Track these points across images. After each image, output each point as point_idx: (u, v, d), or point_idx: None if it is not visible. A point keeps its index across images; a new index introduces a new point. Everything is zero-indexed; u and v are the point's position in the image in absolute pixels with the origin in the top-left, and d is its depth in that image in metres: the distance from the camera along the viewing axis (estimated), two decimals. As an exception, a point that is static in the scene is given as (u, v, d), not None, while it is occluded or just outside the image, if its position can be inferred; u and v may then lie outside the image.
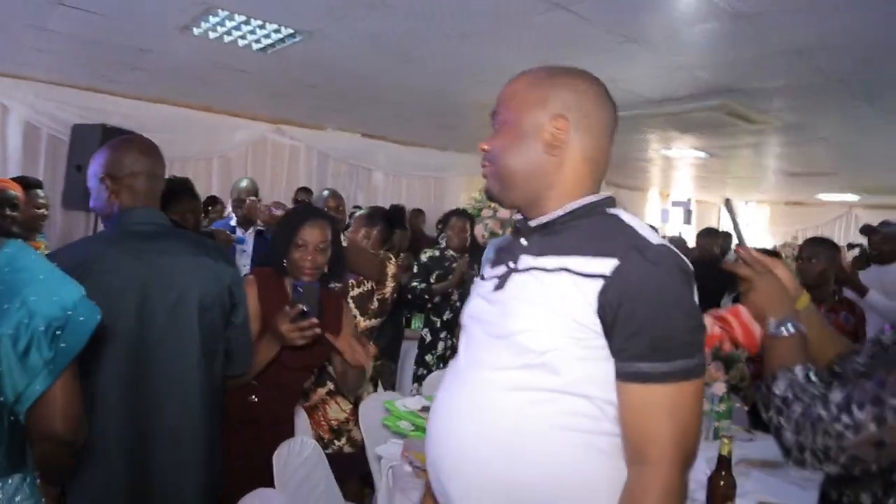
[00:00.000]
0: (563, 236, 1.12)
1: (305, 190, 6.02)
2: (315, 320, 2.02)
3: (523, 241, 1.18)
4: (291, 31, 3.86)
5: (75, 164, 5.45)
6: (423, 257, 4.38)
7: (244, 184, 4.81)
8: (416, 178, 8.25)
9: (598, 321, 1.02)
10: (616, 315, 1.01)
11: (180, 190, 3.17)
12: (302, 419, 2.68)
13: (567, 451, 1.04)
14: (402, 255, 4.83)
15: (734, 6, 3.12)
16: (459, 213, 4.55)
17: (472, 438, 1.10)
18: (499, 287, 1.16)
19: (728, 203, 1.44)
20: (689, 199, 11.15)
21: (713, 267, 5.54)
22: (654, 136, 6.42)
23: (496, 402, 1.09)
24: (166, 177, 2.68)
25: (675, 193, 11.37)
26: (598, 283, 1.02)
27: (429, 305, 4.29)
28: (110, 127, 5.39)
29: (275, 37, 3.98)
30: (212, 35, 4.01)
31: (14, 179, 3.86)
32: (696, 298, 1.05)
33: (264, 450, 2.14)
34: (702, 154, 7.18)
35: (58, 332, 1.21)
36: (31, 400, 1.20)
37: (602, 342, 1.03)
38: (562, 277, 1.05)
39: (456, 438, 1.12)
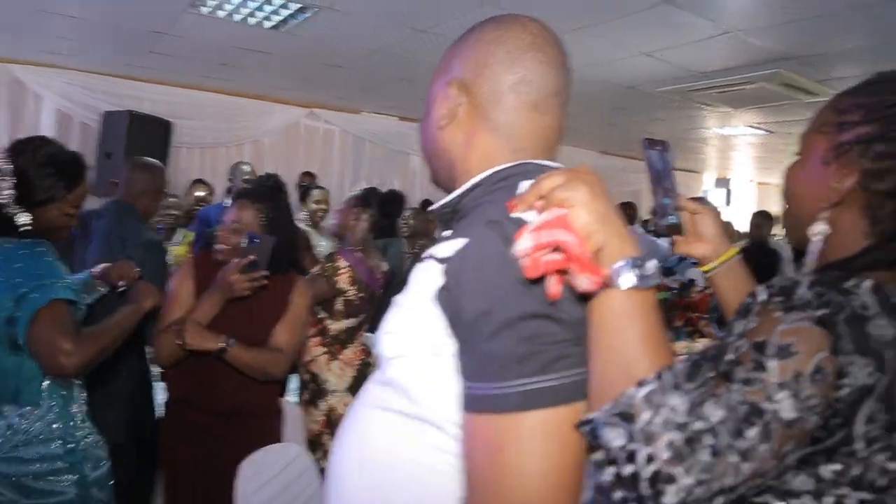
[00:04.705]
0: (472, 217, 0.85)
1: (309, 174, 5.85)
2: (264, 272, 2.00)
3: (445, 232, 0.92)
4: (300, 5, 3.65)
5: (105, 151, 5.46)
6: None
7: (246, 168, 4.64)
8: (457, 162, 7.94)
9: (444, 318, 0.74)
10: (454, 312, 0.73)
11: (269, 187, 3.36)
12: (295, 421, 2.48)
13: (427, 498, 0.78)
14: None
15: (783, -43, 2.74)
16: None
17: (342, 463, 0.87)
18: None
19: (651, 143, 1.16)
20: (728, 179, 10.51)
21: (763, 249, 5.16)
22: (706, 113, 5.96)
23: (361, 423, 0.86)
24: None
25: (735, 176, 10.74)
26: (443, 269, 0.76)
27: None
28: (137, 113, 5.36)
29: (283, 13, 3.78)
30: (220, 13, 3.84)
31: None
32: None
33: (235, 451, 1.94)
34: (759, 132, 6.66)
35: (19, 303, 1.62)
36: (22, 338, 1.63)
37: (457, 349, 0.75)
38: (427, 265, 0.79)
39: (334, 461, 0.90)
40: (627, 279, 0.68)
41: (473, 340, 0.71)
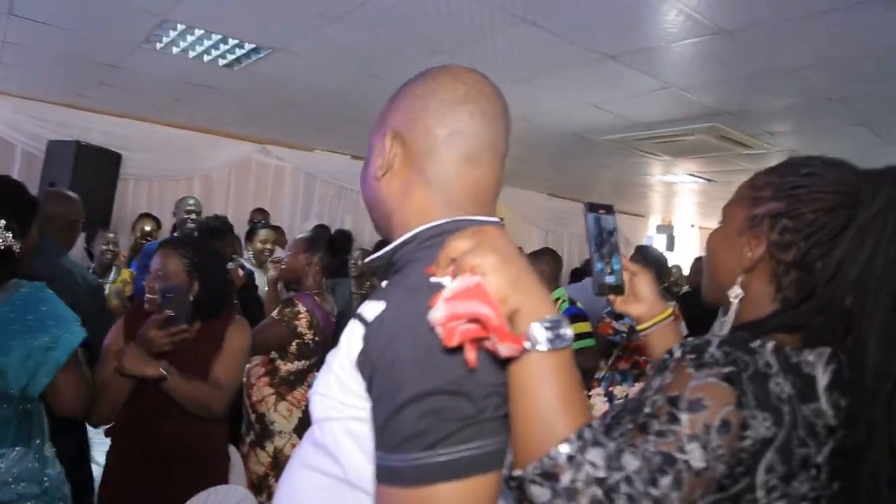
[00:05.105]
0: (400, 275, 0.87)
1: (261, 211, 5.83)
2: (184, 326, 1.99)
3: (383, 284, 0.95)
4: (254, 46, 3.69)
5: (49, 181, 5.33)
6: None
7: (191, 202, 4.63)
8: (408, 201, 8.00)
9: (362, 382, 0.75)
10: (369, 380, 0.75)
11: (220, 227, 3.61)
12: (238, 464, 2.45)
13: None
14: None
15: (715, 21, 2.92)
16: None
17: None
18: None
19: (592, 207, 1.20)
20: (671, 226, 10.88)
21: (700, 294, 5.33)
22: (649, 160, 6.20)
23: (294, 481, 0.86)
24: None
25: (678, 220, 11.11)
26: (363, 331, 0.77)
27: None
28: (85, 144, 5.27)
29: (238, 52, 3.82)
30: (175, 50, 3.85)
31: None
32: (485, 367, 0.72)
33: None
34: (700, 180, 6.94)
35: (50, 346, 1.72)
36: (38, 392, 1.73)
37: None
38: (354, 326, 0.80)
39: None
40: (541, 342, 0.70)
41: (382, 410, 0.71)
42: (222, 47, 3.77)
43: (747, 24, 2.93)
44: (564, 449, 0.69)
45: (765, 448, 0.83)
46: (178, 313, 1.99)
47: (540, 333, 0.70)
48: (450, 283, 0.70)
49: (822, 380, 0.89)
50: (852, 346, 0.88)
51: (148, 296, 2.10)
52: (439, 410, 0.68)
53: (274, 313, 2.78)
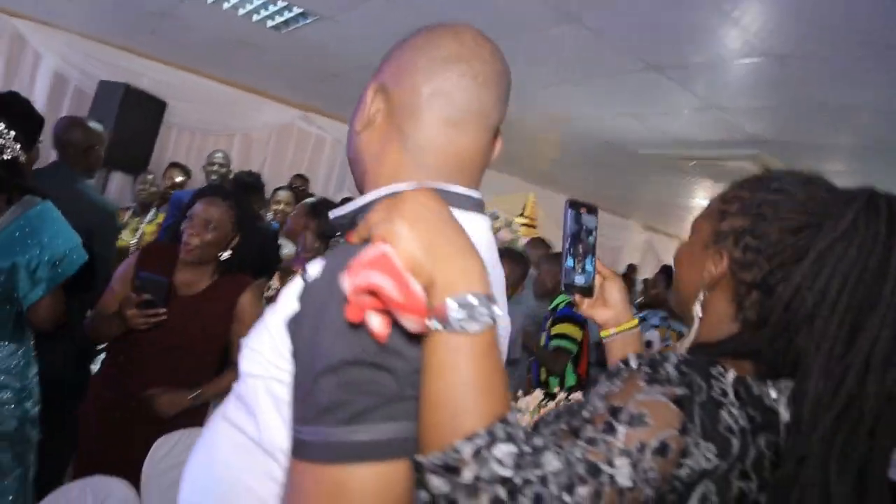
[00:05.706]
0: None
1: (301, 177, 5.86)
2: (162, 309, 2.04)
3: (341, 241, 0.90)
4: (301, 10, 3.71)
5: (97, 119, 5.46)
6: None
7: (218, 155, 4.73)
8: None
9: (289, 344, 0.70)
10: (295, 343, 0.70)
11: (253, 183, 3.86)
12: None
13: None
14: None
15: (770, 45, 2.82)
16: None
17: (190, 463, 0.84)
18: None
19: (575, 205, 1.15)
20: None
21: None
22: (692, 184, 6.06)
23: (213, 431, 0.82)
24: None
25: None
26: (300, 291, 0.72)
27: None
28: (133, 88, 5.37)
29: (287, 15, 3.84)
30: (225, 6, 3.90)
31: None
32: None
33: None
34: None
35: (57, 262, 1.90)
36: (32, 301, 1.88)
37: None
38: (296, 283, 0.74)
39: (189, 459, 0.86)
40: (449, 321, 0.63)
41: (301, 379, 0.67)
42: (271, 8, 3.79)
43: (801, 53, 2.83)
44: (470, 442, 0.62)
45: (702, 478, 0.77)
46: (157, 298, 2.05)
47: (451, 311, 0.63)
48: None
49: (785, 415, 0.84)
50: (797, 376, 0.82)
51: (191, 241, 2.12)
52: (359, 382, 0.63)
53: (274, 282, 2.82)
